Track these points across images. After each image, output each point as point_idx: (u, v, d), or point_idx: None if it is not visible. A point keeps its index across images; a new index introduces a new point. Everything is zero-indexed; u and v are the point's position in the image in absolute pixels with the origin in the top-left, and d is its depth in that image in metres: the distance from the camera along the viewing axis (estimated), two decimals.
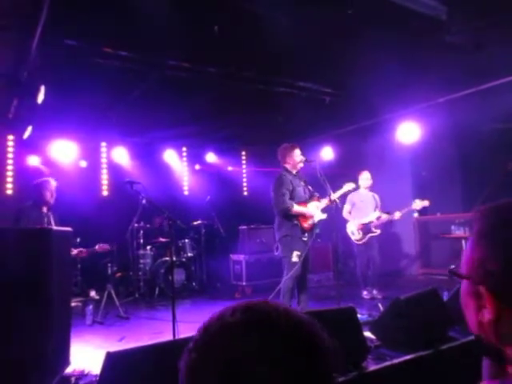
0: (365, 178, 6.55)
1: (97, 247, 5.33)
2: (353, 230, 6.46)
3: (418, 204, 6.22)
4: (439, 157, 7.85)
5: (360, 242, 6.39)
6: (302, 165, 5.04)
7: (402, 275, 8.45)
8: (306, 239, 4.81)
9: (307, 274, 4.96)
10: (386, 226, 6.97)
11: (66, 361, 3.33)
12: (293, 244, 4.76)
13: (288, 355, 0.59)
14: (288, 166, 5.02)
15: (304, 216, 4.85)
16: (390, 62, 4.81)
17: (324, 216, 4.97)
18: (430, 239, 8.58)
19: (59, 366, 3.13)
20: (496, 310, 0.75)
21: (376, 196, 6.65)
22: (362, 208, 6.49)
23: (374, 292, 6.29)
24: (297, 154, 5.00)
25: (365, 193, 6.57)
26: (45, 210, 4.72)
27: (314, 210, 4.92)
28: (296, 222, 4.80)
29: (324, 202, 4.98)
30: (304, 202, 4.92)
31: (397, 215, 6.29)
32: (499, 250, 0.74)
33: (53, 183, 4.78)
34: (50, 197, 4.70)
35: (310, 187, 5.08)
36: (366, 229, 6.37)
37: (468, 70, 5.31)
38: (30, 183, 4.98)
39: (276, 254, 5.00)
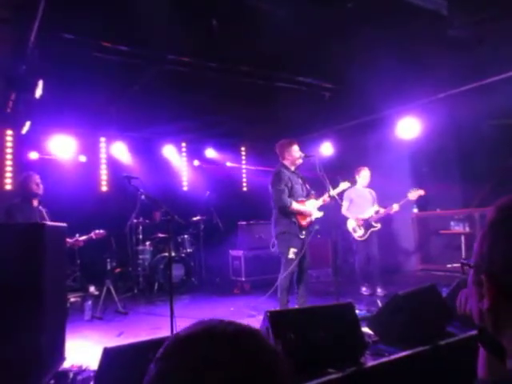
0: (364, 175, 6.53)
1: (92, 234, 5.34)
2: (354, 227, 6.45)
3: (414, 194, 6.21)
4: (439, 153, 7.83)
5: (362, 239, 6.38)
6: (300, 161, 4.97)
7: (400, 271, 8.45)
8: (303, 237, 4.79)
9: (307, 269, 4.94)
10: (386, 222, 6.95)
11: (61, 356, 3.31)
12: (290, 241, 4.72)
13: (224, 361, 0.64)
14: (287, 163, 4.95)
15: (302, 214, 4.81)
16: (390, 57, 4.79)
17: (320, 214, 4.95)
18: (429, 235, 8.58)
19: (54, 362, 3.10)
20: (493, 298, 0.77)
21: (372, 192, 6.64)
22: (360, 204, 6.48)
23: (379, 290, 6.24)
24: (295, 150, 4.92)
25: (361, 188, 6.57)
26: (35, 203, 4.70)
27: (312, 208, 4.90)
28: (294, 219, 4.77)
29: (321, 200, 4.95)
30: (302, 200, 4.90)
31: (394, 207, 6.28)
32: (502, 240, 0.77)
33: (36, 176, 4.78)
34: (36, 188, 4.69)
35: (307, 185, 5.05)
36: (366, 224, 6.37)
37: (468, 65, 5.29)
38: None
39: (272, 250, 4.97)
